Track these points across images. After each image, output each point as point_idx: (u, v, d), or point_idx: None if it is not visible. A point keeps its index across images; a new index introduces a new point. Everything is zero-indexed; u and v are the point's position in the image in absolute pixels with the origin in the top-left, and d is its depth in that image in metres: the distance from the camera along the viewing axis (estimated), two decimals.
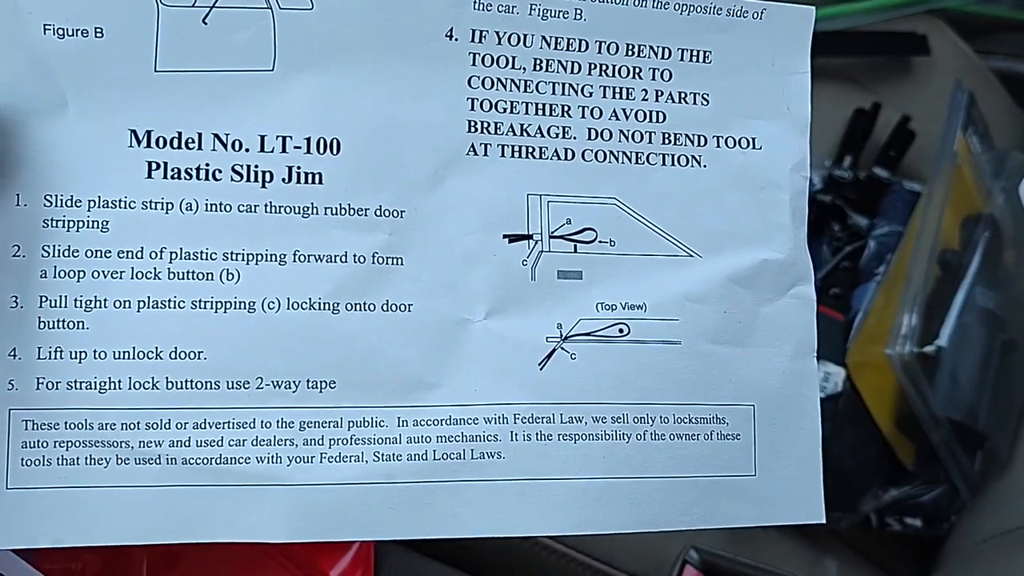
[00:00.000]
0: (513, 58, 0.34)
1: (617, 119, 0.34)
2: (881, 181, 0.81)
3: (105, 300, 0.30)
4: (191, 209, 0.31)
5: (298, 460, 0.31)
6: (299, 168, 0.32)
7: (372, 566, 0.48)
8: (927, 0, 0.90)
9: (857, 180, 0.81)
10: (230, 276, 0.31)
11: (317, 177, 0.32)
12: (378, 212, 0.32)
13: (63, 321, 0.30)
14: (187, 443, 0.30)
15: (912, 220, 0.77)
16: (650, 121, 0.35)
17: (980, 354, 0.71)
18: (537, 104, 0.34)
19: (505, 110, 0.34)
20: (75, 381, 0.30)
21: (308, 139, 0.32)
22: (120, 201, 0.31)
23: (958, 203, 0.77)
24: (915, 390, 0.68)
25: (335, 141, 0.32)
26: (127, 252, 0.30)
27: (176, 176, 0.31)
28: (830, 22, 0.86)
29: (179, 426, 0.30)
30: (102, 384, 0.30)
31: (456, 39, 0.33)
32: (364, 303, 0.32)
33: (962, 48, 0.92)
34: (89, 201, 0.30)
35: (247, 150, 0.31)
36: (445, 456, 0.32)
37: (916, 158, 0.83)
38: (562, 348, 0.33)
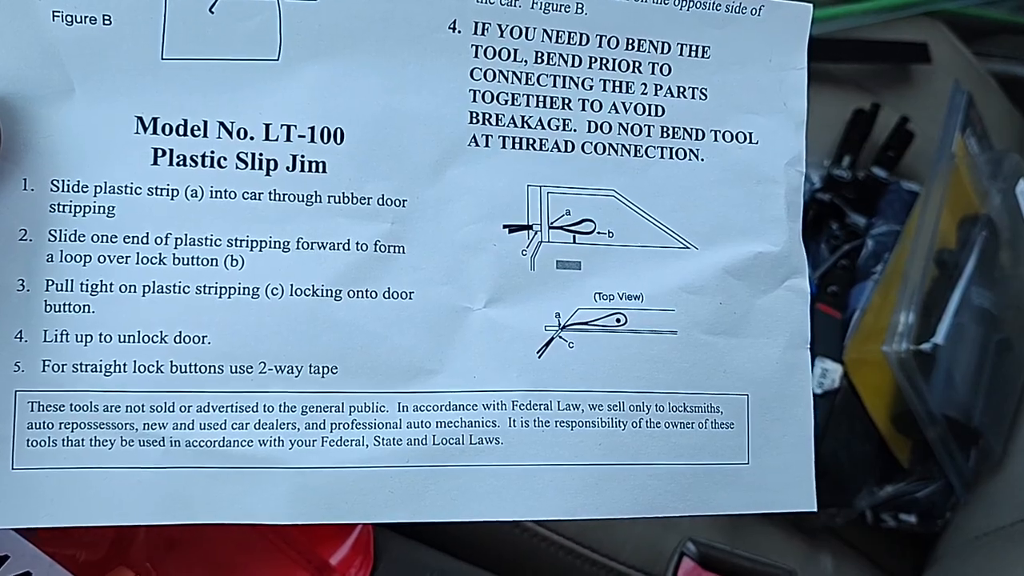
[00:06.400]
0: (515, 51, 0.34)
1: (617, 112, 0.35)
2: (879, 181, 0.81)
3: (111, 284, 0.31)
4: (196, 196, 0.31)
5: (300, 444, 0.31)
6: (303, 156, 0.32)
7: (371, 554, 0.49)
8: (926, 2, 0.90)
9: (856, 180, 0.81)
10: (234, 262, 0.31)
11: (321, 166, 0.32)
12: (381, 201, 0.33)
13: (69, 304, 0.30)
14: (191, 426, 0.31)
15: (910, 220, 0.78)
16: (649, 114, 0.35)
17: (975, 352, 0.72)
18: (538, 96, 0.34)
19: (506, 102, 0.34)
20: (81, 364, 0.30)
21: (312, 128, 0.32)
22: (126, 187, 0.31)
23: (955, 203, 0.78)
24: (911, 387, 0.69)
25: (339, 130, 0.32)
26: (132, 237, 0.31)
27: (181, 163, 0.31)
28: (829, 23, 0.87)
29: (183, 409, 0.31)
30: (107, 367, 0.30)
31: (459, 31, 0.33)
32: (366, 290, 0.32)
33: (961, 50, 0.93)
34: (95, 186, 0.31)
35: (252, 138, 0.32)
36: (444, 441, 0.32)
37: (914, 159, 0.84)
38: (560, 337, 0.34)
